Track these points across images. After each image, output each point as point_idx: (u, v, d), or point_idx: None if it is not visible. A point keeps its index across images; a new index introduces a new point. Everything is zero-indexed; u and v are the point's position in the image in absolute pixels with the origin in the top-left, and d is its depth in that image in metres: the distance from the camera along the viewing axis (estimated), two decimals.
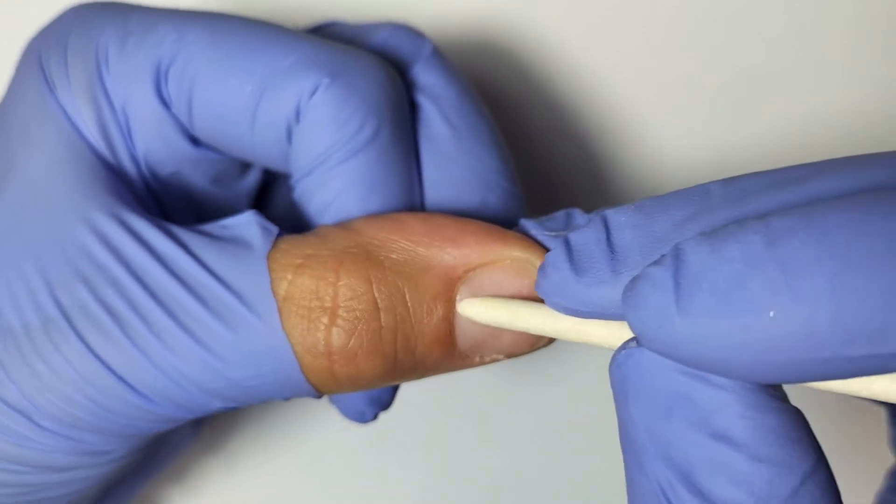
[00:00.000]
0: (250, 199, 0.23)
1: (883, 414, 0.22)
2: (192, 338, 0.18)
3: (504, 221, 0.21)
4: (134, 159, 0.21)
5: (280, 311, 0.18)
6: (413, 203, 0.21)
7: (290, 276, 0.18)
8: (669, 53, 0.28)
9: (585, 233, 0.17)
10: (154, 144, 0.21)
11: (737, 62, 0.27)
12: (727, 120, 0.28)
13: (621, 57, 0.28)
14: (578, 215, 0.20)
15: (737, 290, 0.13)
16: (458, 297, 0.19)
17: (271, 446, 0.29)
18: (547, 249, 0.19)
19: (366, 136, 0.20)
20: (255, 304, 0.18)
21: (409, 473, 0.29)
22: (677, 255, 0.14)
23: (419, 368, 0.19)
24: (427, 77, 0.22)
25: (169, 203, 0.22)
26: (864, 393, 0.14)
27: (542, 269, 0.17)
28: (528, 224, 0.20)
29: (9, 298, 0.19)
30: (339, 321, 0.18)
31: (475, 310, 0.18)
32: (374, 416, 0.22)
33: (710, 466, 0.14)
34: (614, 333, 0.17)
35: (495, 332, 0.19)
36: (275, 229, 0.19)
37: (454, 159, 0.21)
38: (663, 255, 0.14)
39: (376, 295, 0.18)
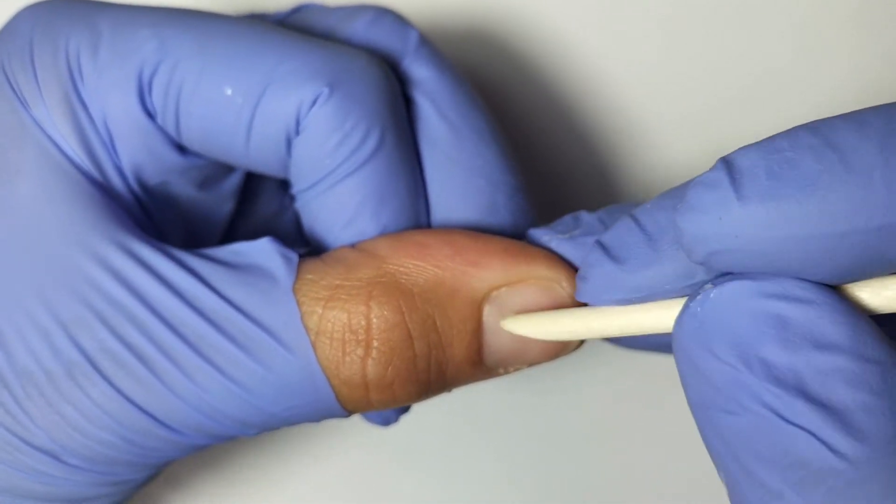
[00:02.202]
0: (236, 197, 0.23)
1: None
2: (223, 374, 0.18)
3: (514, 220, 0.21)
4: (120, 173, 0.20)
5: (313, 344, 0.18)
6: (421, 209, 0.21)
7: (320, 310, 0.18)
8: (674, 48, 0.27)
9: (614, 229, 0.17)
10: (140, 157, 0.20)
11: (745, 61, 0.27)
12: (734, 118, 0.28)
13: (625, 49, 0.27)
14: (585, 215, 0.20)
15: (791, 170, 0.14)
16: (484, 317, 0.19)
17: (270, 449, 0.29)
18: (567, 261, 0.20)
19: (371, 147, 0.20)
20: (286, 340, 0.18)
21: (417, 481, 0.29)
22: (725, 160, 0.15)
23: (449, 386, 0.20)
24: (418, 70, 0.22)
25: (158, 213, 0.21)
26: None
27: (580, 274, 0.18)
28: (539, 233, 0.20)
29: (20, 342, 0.18)
30: (374, 353, 0.18)
31: (520, 327, 0.19)
32: (397, 419, 0.23)
33: (823, 375, 0.14)
34: (667, 314, 0.17)
35: (522, 346, 0.19)
36: (295, 256, 0.19)
37: (457, 161, 0.21)
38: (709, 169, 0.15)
39: (409, 325, 0.18)
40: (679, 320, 0.16)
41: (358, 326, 0.18)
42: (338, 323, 0.18)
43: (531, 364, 0.20)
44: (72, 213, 0.19)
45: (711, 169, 0.15)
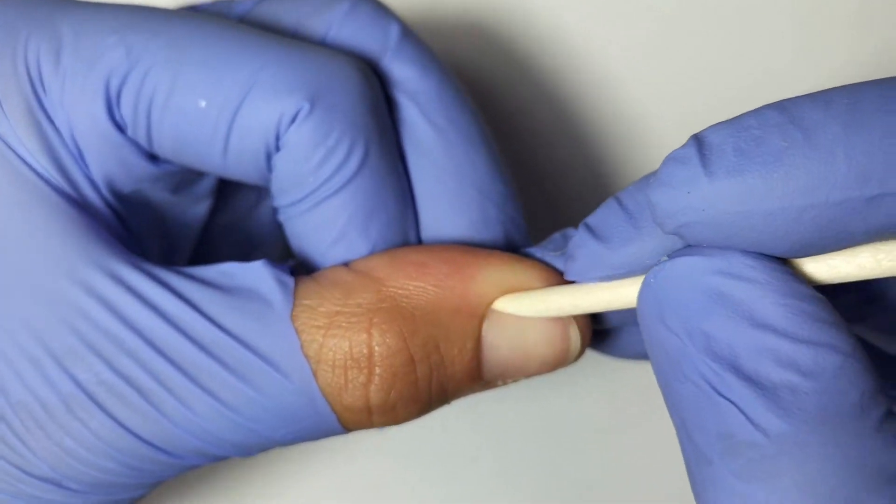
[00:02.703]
0: (212, 196, 0.22)
1: None
2: (221, 402, 0.18)
3: (504, 230, 0.21)
4: (93, 185, 0.19)
5: (314, 372, 0.18)
6: (410, 220, 0.21)
7: (320, 339, 0.18)
8: (674, 46, 0.27)
9: (599, 211, 0.18)
10: (111, 168, 0.19)
11: (745, 61, 0.27)
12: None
13: (624, 49, 0.27)
14: (572, 231, 0.20)
15: (757, 147, 0.15)
16: (483, 332, 0.19)
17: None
18: (560, 272, 0.20)
19: (356, 162, 0.19)
20: (286, 368, 0.18)
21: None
22: (696, 137, 0.15)
23: (449, 401, 0.20)
24: (401, 69, 0.21)
25: (133, 220, 0.21)
26: (867, 270, 0.15)
27: (567, 256, 0.18)
28: (531, 252, 0.20)
29: (14, 375, 0.18)
30: (377, 379, 0.18)
31: (511, 306, 0.19)
32: None
33: (756, 353, 0.15)
34: None
35: (521, 359, 0.19)
36: (290, 281, 0.19)
37: (446, 169, 0.21)
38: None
39: (411, 349, 0.18)
40: (640, 291, 0.16)
41: (360, 355, 0.18)
42: (339, 351, 0.18)
43: (529, 376, 0.20)
44: (51, 235, 0.18)
45: (683, 146, 0.15)
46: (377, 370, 0.18)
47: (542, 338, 0.19)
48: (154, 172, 0.20)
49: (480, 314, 0.19)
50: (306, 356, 0.18)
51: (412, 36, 0.21)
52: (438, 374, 0.19)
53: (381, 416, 0.19)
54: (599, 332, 0.21)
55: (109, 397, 0.18)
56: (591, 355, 0.28)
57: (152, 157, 0.20)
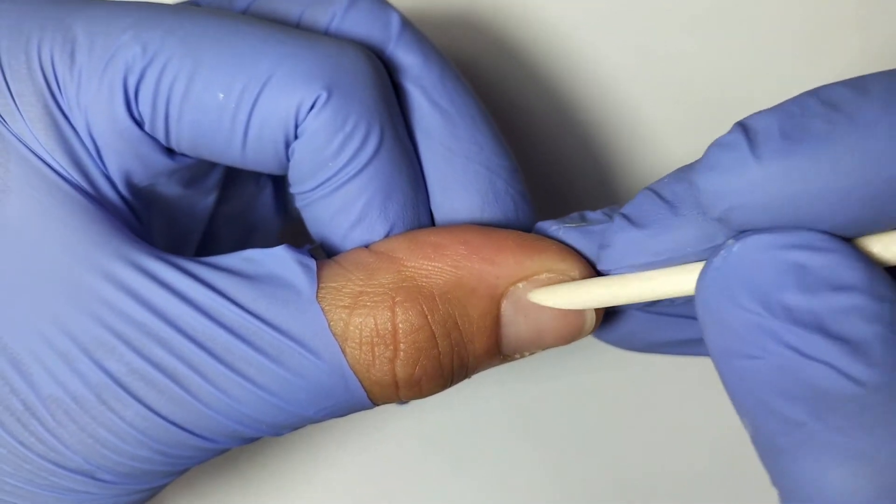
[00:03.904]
0: (219, 186, 0.23)
1: None
2: (255, 385, 0.18)
3: (514, 203, 0.22)
4: (109, 181, 0.20)
5: (342, 350, 0.19)
6: (423, 200, 0.21)
7: (345, 318, 0.19)
8: (674, 43, 0.28)
9: (634, 202, 0.19)
10: (128, 164, 0.20)
11: (745, 61, 0.28)
12: (734, 118, 0.28)
13: (623, 49, 0.27)
14: (590, 213, 0.21)
15: (803, 131, 0.15)
16: (502, 311, 0.20)
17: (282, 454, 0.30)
18: (576, 251, 0.20)
19: (373, 146, 0.20)
20: (316, 348, 0.19)
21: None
22: (741, 124, 0.16)
23: (469, 375, 0.20)
24: (404, 57, 0.22)
25: (145, 214, 0.21)
26: None
27: (602, 243, 0.19)
28: (547, 224, 0.21)
29: (42, 369, 0.18)
30: (402, 354, 0.19)
31: (547, 298, 0.20)
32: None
33: (841, 313, 0.15)
34: (687, 277, 0.18)
35: (538, 334, 0.20)
36: (312, 263, 0.19)
37: (454, 149, 0.21)
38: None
39: (432, 326, 0.19)
40: (702, 276, 0.17)
41: (385, 331, 0.19)
42: (365, 329, 0.19)
43: (546, 349, 0.21)
44: (71, 230, 0.19)
45: (728, 132, 0.16)
46: (402, 345, 0.19)
47: (558, 314, 0.20)
48: (170, 167, 0.21)
49: (498, 294, 0.19)
50: (334, 335, 0.19)
51: (411, 25, 0.22)
52: (459, 350, 0.19)
53: (407, 389, 0.19)
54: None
55: (143, 386, 0.18)
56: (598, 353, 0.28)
57: (169, 152, 0.20)
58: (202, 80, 0.19)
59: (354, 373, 0.19)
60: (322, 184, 0.20)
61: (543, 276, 0.20)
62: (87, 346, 0.18)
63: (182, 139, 0.20)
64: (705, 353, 0.20)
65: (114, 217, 0.19)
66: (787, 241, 0.16)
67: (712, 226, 0.18)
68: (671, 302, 0.21)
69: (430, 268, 0.19)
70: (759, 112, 0.16)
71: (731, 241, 0.16)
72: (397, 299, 0.19)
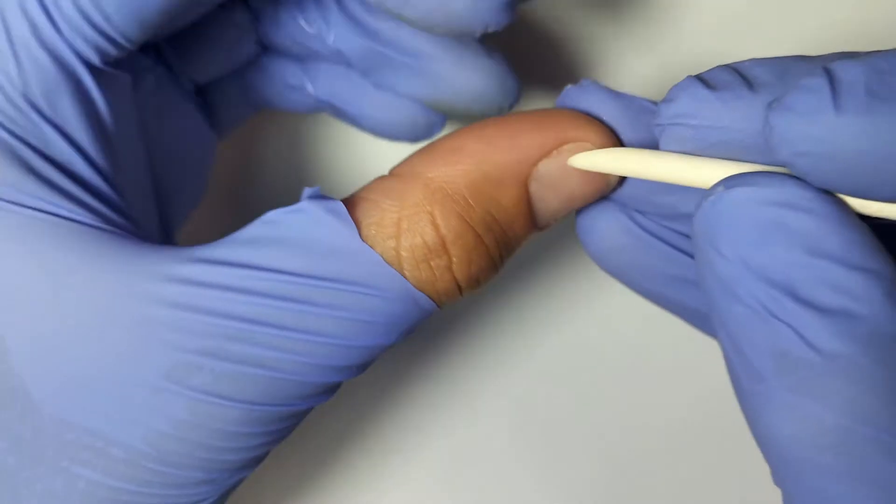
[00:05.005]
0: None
1: None
2: (339, 339, 0.19)
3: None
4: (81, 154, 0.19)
5: (404, 275, 0.19)
6: None
7: (394, 245, 0.19)
8: (673, 40, 0.28)
9: (713, 70, 0.18)
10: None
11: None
12: None
13: (624, 48, 0.27)
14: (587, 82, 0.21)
15: (890, 90, 0.15)
16: (532, 192, 0.20)
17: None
18: (594, 118, 0.20)
19: None
20: (381, 285, 0.19)
21: None
22: (828, 69, 0.15)
23: (512, 254, 0.21)
24: None
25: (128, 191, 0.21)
26: None
27: (667, 98, 0.18)
28: (586, 82, 0.21)
29: (127, 421, 0.18)
30: (455, 259, 0.20)
31: (586, 162, 0.20)
32: None
33: (812, 279, 0.15)
34: (719, 174, 0.17)
35: (569, 201, 0.21)
36: (341, 207, 0.19)
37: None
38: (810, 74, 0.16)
39: (474, 227, 0.20)
40: (696, 213, 0.17)
41: (435, 244, 0.19)
42: (417, 249, 0.19)
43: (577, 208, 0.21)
44: (95, 268, 0.18)
45: (813, 75, 0.16)
46: (453, 252, 0.19)
47: (585, 179, 0.20)
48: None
49: (525, 178, 0.20)
50: (392, 265, 0.19)
51: None
52: (502, 238, 0.20)
53: (468, 287, 0.20)
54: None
55: (234, 385, 0.18)
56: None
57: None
58: None
59: (422, 291, 0.19)
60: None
61: (564, 149, 0.20)
62: (168, 373, 0.18)
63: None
64: (681, 313, 0.22)
65: (124, 238, 0.19)
66: (771, 197, 0.16)
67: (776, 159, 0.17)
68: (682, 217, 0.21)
69: (453, 172, 0.20)
70: (847, 61, 0.16)
71: (721, 187, 0.17)
72: (434, 213, 0.19)
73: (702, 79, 0.18)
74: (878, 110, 0.15)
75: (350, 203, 0.20)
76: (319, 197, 0.20)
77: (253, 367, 0.18)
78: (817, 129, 0.15)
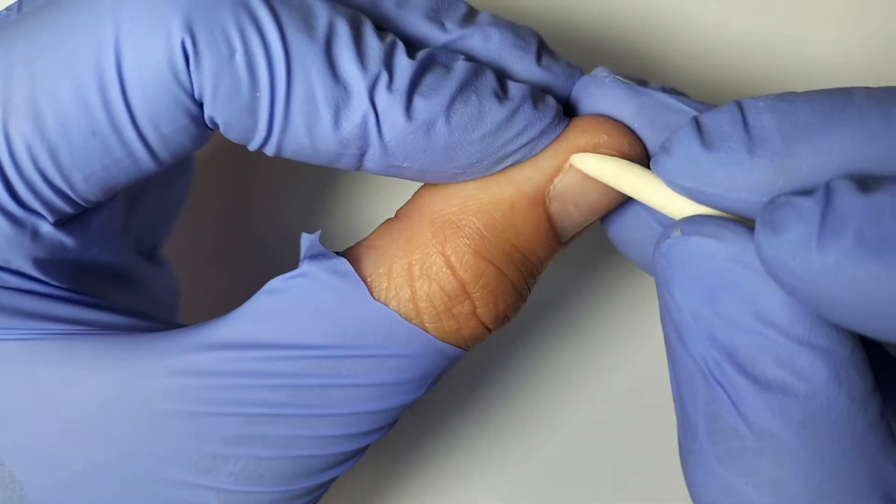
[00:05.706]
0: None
1: None
2: (362, 405, 0.18)
3: None
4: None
5: (424, 328, 0.18)
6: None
7: (408, 295, 0.18)
8: (674, 38, 0.27)
9: (718, 113, 0.16)
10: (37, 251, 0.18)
11: (745, 61, 0.27)
12: None
13: (623, 49, 0.27)
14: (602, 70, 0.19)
15: (882, 243, 0.13)
16: (551, 211, 0.18)
17: None
18: (601, 115, 0.19)
19: (278, 47, 0.17)
20: (401, 342, 0.18)
21: None
22: (828, 191, 0.14)
23: (539, 276, 0.20)
24: None
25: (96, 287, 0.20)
26: None
27: (665, 146, 0.17)
28: (598, 70, 0.19)
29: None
30: (479, 301, 0.18)
31: (587, 166, 0.18)
32: None
33: (754, 347, 0.15)
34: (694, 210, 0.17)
35: (591, 212, 0.19)
36: (345, 263, 0.18)
37: None
38: (813, 191, 0.14)
39: (493, 261, 0.18)
40: (656, 249, 0.16)
41: (452, 290, 0.18)
42: (434, 297, 0.18)
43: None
44: (95, 377, 0.18)
45: (813, 195, 0.14)
46: (475, 294, 0.18)
47: (602, 189, 0.18)
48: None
49: (542, 198, 0.18)
50: (407, 318, 0.18)
51: None
52: (526, 267, 0.19)
53: (497, 326, 0.19)
54: None
55: (264, 470, 0.18)
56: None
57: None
58: (44, 85, 0.16)
59: (447, 342, 0.18)
60: (270, 119, 0.17)
61: (576, 158, 0.18)
62: (197, 471, 0.18)
63: (75, 177, 0.17)
64: None
65: (111, 335, 0.18)
66: (726, 253, 0.15)
67: (781, 178, 0.15)
68: None
69: (458, 200, 0.18)
70: (853, 191, 0.14)
71: (678, 231, 0.16)
72: (447, 251, 0.18)
73: (701, 127, 0.16)
74: (862, 258, 0.13)
75: (355, 255, 0.18)
76: (321, 254, 0.18)
77: (281, 450, 0.18)
78: (797, 265, 0.14)
